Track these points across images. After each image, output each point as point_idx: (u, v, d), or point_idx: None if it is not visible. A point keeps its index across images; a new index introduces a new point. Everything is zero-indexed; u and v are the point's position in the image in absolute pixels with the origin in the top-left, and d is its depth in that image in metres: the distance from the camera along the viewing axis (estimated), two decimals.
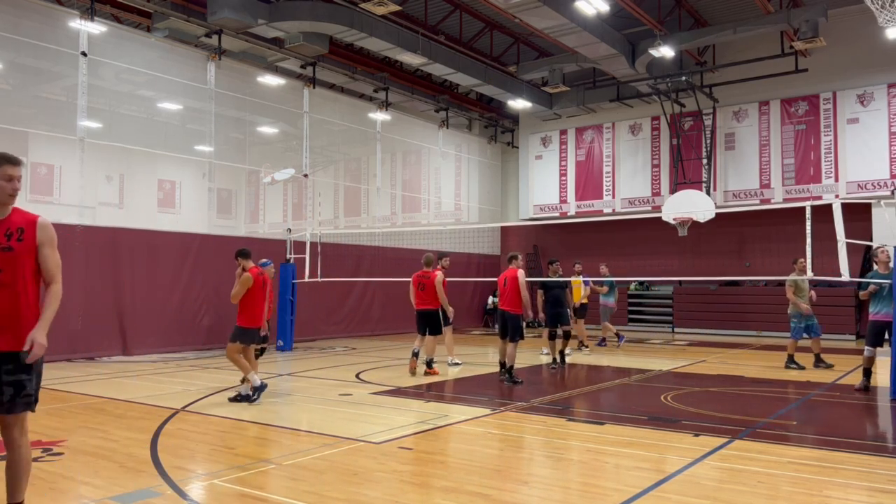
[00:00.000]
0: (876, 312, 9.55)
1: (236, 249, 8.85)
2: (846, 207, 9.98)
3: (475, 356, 14.14)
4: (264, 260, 9.59)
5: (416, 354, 11.29)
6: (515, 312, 10.41)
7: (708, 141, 19.72)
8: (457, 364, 12.20)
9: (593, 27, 16.00)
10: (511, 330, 10.36)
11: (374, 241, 19.25)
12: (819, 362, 11.92)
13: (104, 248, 13.34)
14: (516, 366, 10.58)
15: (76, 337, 12.75)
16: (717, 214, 16.53)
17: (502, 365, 10.61)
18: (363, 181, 21.24)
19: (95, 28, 13.29)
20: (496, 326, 14.79)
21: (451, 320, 11.67)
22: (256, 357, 9.21)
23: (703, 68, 19.42)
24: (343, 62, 18.70)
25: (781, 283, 13.54)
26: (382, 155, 20.43)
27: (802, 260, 11.09)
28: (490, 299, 23.39)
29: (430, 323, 11.34)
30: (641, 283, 21.66)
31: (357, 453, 5.89)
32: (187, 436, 6.64)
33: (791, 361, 11.94)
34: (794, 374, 11.30)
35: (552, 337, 12.25)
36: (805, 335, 11.90)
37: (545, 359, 13.35)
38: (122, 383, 9.98)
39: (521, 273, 10.40)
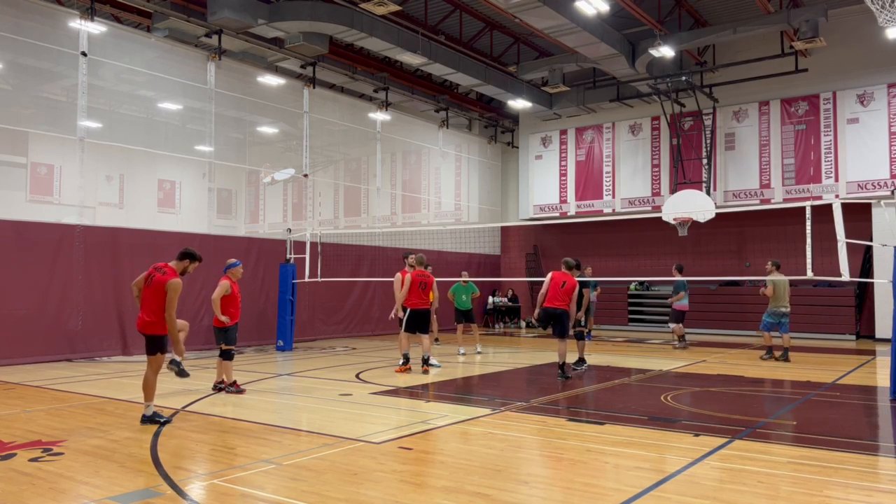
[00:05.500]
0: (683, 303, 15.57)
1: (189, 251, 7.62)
2: (846, 207, 9.98)
3: (477, 356, 14.13)
4: (233, 260, 9.46)
5: (425, 360, 11.37)
6: (562, 310, 10.57)
7: (708, 141, 19.72)
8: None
9: (593, 27, 16.00)
10: (561, 327, 10.57)
11: (375, 241, 19.25)
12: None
13: (104, 248, 13.35)
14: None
15: (76, 337, 12.77)
16: (717, 214, 16.53)
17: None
18: (363, 181, 21.24)
19: (95, 28, 13.29)
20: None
21: (401, 319, 11.47)
22: (229, 358, 9.13)
23: (703, 68, 19.42)
24: (343, 62, 18.70)
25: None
26: (382, 155, 20.44)
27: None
28: (490, 299, 23.40)
29: (427, 322, 11.49)
30: (641, 283, 21.66)
31: (357, 453, 5.89)
32: (187, 436, 6.63)
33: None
34: (794, 374, 11.30)
35: (578, 337, 12.20)
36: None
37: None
38: (122, 383, 9.97)
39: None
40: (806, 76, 18.45)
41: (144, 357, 7.23)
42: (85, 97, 13.13)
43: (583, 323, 12.33)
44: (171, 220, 20.24)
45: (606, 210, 21.84)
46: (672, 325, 16.15)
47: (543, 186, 23.32)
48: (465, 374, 11.54)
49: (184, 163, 18.33)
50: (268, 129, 20.14)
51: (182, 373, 7.33)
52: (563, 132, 23.08)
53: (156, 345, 7.15)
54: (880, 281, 11.16)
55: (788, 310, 12.99)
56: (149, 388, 7.16)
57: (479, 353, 14.58)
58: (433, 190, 22.67)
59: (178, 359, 7.29)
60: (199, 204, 17.22)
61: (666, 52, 16.99)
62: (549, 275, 10.73)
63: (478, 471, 5.38)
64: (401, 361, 11.27)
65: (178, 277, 7.17)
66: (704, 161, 19.56)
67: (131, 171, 19.71)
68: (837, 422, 7.62)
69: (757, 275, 19.06)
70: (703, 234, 19.48)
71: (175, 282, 7.06)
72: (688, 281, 15.95)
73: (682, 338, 15.94)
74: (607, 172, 22.11)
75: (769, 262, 13.26)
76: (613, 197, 21.90)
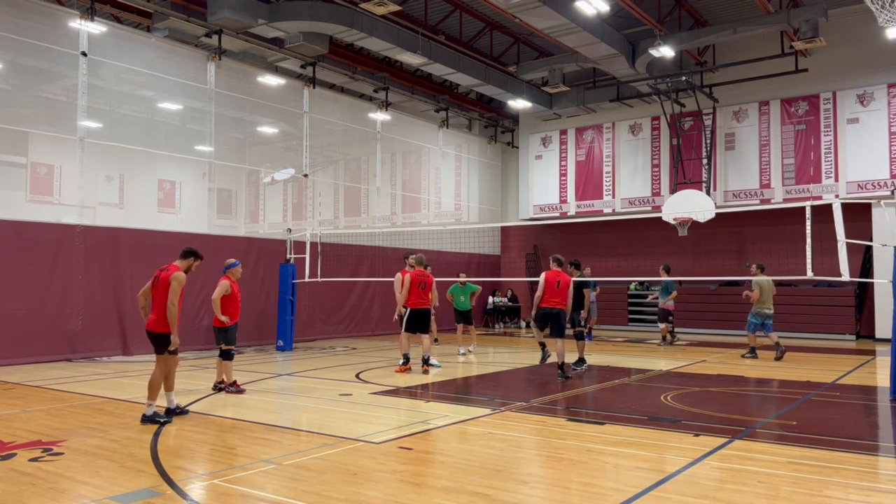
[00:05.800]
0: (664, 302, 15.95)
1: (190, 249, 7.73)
2: (846, 207, 9.98)
3: (477, 356, 14.13)
4: (232, 260, 9.42)
5: (425, 360, 11.34)
6: (559, 309, 10.57)
7: (708, 141, 19.72)
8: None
9: (593, 27, 16.00)
10: (558, 327, 10.56)
11: (375, 241, 19.25)
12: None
13: (104, 248, 13.35)
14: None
15: (76, 337, 12.76)
16: (717, 214, 16.53)
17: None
18: (363, 181, 21.24)
19: (95, 28, 13.30)
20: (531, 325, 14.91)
21: (402, 319, 11.48)
22: (229, 358, 9.12)
23: (703, 68, 19.42)
24: (343, 62, 18.70)
25: (780, 284, 13.79)
26: (382, 155, 20.44)
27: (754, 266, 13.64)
28: (490, 299, 23.39)
29: (428, 322, 11.50)
30: (641, 283, 21.66)
31: (357, 453, 5.89)
32: (187, 436, 6.64)
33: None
34: (794, 374, 11.30)
35: (578, 337, 12.18)
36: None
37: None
38: (122, 383, 9.97)
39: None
40: (806, 76, 18.45)
41: (144, 357, 7.25)
42: (85, 97, 13.13)
43: (582, 323, 12.33)
44: (171, 220, 20.24)
45: (606, 210, 21.83)
46: (661, 325, 16.58)
47: (543, 186, 23.32)
48: (465, 374, 11.54)
49: (184, 163, 18.34)
50: (268, 129, 20.13)
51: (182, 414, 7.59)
52: (563, 132, 23.08)
53: (164, 343, 7.25)
54: (880, 281, 11.16)
55: (772, 311, 13.36)
56: (154, 388, 7.21)
57: (469, 350, 14.48)
58: (433, 190, 22.67)
59: (173, 407, 7.49)
60: (199, 204, 17.22)
61: (666, 52, 16.98)
62: (542, 275, 10.70)
63: (478, 471, 5.39)
64: (401, 361, 11.27)
65: (182, 272, 7.34)
66: (704, 161, 19.55)
67: (131, 171, 19.71)
68: (837, 422, 7.62)
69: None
70: (703, 234, 19.48)
71: (179, 274, 7.27)
72: (676, 281, 16.25)
73: (672, 334, 16.72)
74: (607, 172, 22.11)
75: (753, 265, 13.66)
76: (613, 197, 21.90)
